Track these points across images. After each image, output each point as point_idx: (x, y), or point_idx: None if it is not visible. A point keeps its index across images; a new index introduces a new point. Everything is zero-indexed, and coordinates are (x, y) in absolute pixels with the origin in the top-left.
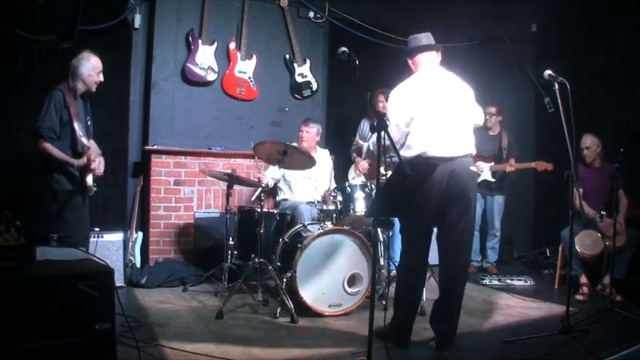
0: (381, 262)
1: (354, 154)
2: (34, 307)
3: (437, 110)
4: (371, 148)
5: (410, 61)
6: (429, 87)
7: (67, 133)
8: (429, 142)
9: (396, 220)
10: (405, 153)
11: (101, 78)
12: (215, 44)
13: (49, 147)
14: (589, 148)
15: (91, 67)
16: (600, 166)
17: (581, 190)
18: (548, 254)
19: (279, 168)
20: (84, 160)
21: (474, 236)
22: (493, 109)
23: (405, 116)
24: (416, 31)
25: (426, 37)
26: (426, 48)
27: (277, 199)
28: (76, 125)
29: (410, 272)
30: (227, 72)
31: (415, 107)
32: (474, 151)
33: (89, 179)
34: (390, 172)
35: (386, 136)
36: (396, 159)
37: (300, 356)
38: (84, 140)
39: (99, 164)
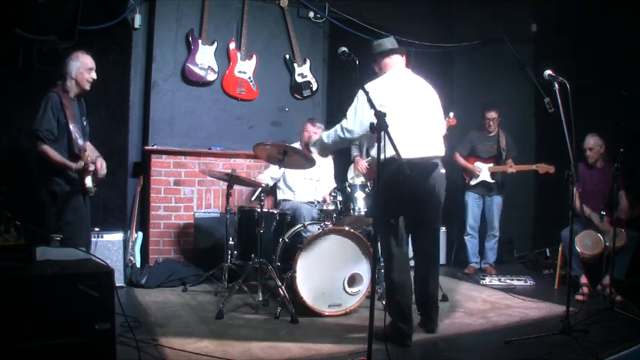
0: (381, 262)
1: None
2: (34, 307)
3: (407, 112)
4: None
5: (376, 66)
6: (398, 88)
7: (63, 135)
8: (399, 144)
9: None
10: (374, 153)
11: (93, 75)
12: (215, 44)
13: (48, 149)
14: (592, 149)
15: (79, 65)
16: (602, 166)
17: (579, 189)
18: (548, 254)
19: (280, 168)
20: (81, 163)
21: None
22: (495, 114)
23: (369, 116)
24: (416, 31)
25: (388, 42)
26: (394, 51)
27: (278, 199)
28: (72, 127)
29: (391, 276)
30: (227, 72)
31: (385, 108)
32: (442, 153)
33: (88, 181)
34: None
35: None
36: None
37: (300, 356)
38: (80, 142)
39: (101, 166)
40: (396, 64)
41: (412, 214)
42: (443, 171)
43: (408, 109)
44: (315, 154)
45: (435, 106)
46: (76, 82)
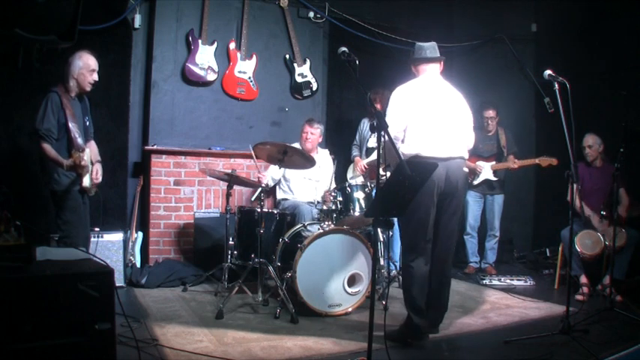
0: (381, 262)
1: (355, 155)
2: (34, 307)
3: (435, 113)
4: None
5: (413, 68)
6: (429, 92)
7: (63, 134)
8: (425, 142)
9: (396, 220)
10: (404, 150)
11: (95, 77)
12: (215, 44)
13: (47, 147)
14: (591, 146)
15: (81, 65)
16: (601, 166)
17: (576, 188)
18: (548, 254)
19: (280, 168)
20: (70, 161)
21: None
22: (493, 113)
23: (403, 115)
24: (416, 31)
25: (430, 49)
26: (431, 60)
27: (277, 198)
28: (71, 126)
29: (415, 271)
30: (227, 72)
31: (415, 107)
32: (466, 155)
33: (86, 180)
34: (389, 173)
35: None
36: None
37: (300, 356)
38: (79, 141)
39: (96, 173)
40: (430, 70)
41: (437, 211)
42: (466, 170)
43: (435, 112)
44: (316, 154)
45: (462, 113)
46: (77, 82)
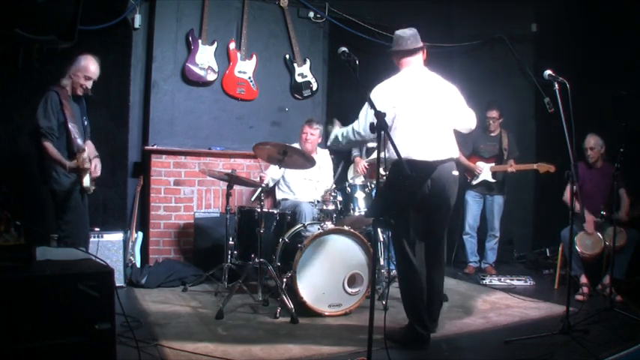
0: (381, 262)
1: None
2: (34, 307)
3: (420, 113)
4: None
5: (394, 59)
6: (413, 89)
7: (62, 134)
8: (412, 145)
9: None
10: (390, 155)
11: (88, 85)
12: (215, 44)
13: (49, 146)
14: (593, 148)
15: (79, 68)
16: (602, 166)
17: (575, 187)
18: (548, 254)
19: (280, 168)
20: (74, 163)
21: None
22: (496, 113)
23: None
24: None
25: (411, 39)
26: (413, 52)
27: (277, 198)
28: (70, 126)
29: (408, 277)
30: (227, 72)
31: (398, 109)
32: (456, 155)
33: (86, 180)
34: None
35: (386, 137)
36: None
37: (300, 356)
38: (79, 141)
39: (95, 167)
40: (414, 61)
41: (423, 214)
42: (456, 173)
43: (420, 110)
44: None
45: (452, 105)
46: (72, 82)
